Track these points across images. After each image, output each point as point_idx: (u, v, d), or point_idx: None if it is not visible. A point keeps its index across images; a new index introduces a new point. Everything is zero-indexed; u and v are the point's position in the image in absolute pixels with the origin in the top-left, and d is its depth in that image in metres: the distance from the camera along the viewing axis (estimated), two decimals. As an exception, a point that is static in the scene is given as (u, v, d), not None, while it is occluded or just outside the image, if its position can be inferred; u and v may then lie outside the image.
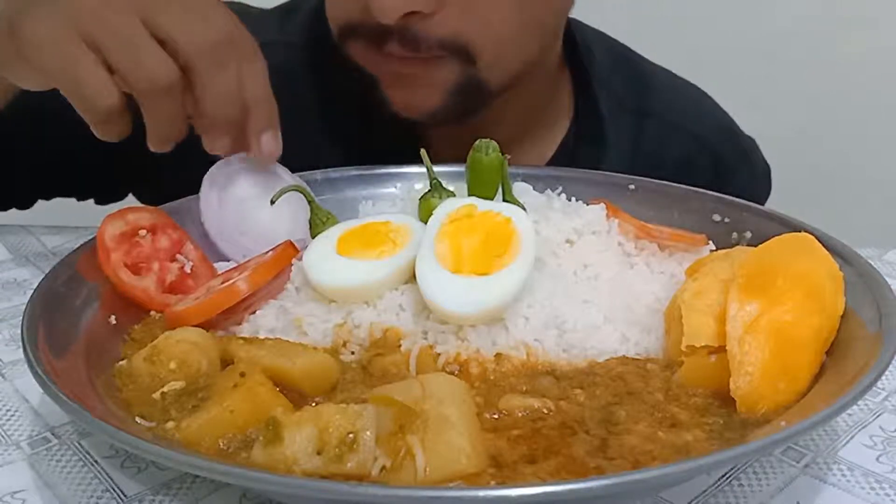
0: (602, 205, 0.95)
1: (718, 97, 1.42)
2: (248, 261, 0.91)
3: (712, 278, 0.80)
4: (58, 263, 0.86)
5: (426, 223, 0.84)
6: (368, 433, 0.63)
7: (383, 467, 0.63)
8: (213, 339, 0.79)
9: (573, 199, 0.97)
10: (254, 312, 0.85)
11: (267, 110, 0.92)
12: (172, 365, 0.75)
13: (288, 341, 0.80)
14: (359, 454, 0.63)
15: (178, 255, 0.92)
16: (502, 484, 0.63)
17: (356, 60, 1.10)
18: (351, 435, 0.63)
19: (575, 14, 1.21)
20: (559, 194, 0.99)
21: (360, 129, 1.23)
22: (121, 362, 0.78)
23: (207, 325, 0.82)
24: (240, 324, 0.85)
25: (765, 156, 1.42)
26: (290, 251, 0.88)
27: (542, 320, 0.80)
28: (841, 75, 2.33)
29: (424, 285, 0.78)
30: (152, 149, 0.89)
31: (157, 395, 0.73)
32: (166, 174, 0.98)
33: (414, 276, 0.80)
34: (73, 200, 1.34)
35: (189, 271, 0.92)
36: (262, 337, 0.82)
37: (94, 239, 0.88)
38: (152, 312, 0.87)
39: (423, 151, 0.89)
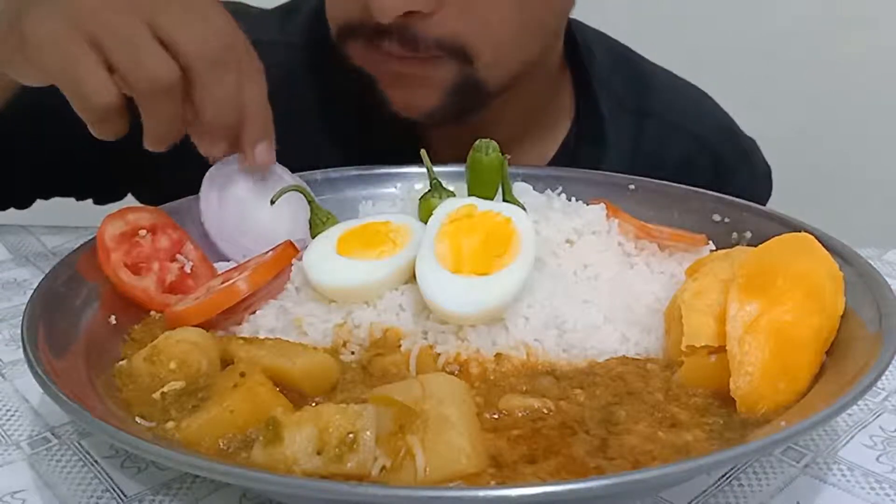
0: (602, 205, 0.95)
1: (718, 97, 1.42)
2: (248, 261, 0.91)
3: (712, 278, 0.80)
4: (58, 263, 0.86)
5: (426, 223, 0.84)
6: (368, 433, 0.63)
7: (383, 467, 0.63)
8: (213, 339, 0.79)
9: (573, 199, 0.98)
10: (254, 312, 0.85)
11: (263, 120, 0.92)
12: (172, 365, 0.75)
13: (288, 341, 0.80)
14: (359, 454, 0.63)
15: (178, 255, 0.92)
16: (502, 484, 0.63)
17: (355, 61, 1.10)
18: (351, 435, 0.63)
19: (575, 14, 1.21)
20: (559, 194, 0.99)
21: (359, 129, 1.23)
22: (121, 362, 0.78)
23: (207, 325, 0.82)
24: (240, 324, 0.85)
25: (765, 156, 1.42)
26: (290, 251, 0.88)
27: (542, 320, 0.80)
28: (841, 75, 2.33)
29: (424, 285, 0.78)
30: (148, 148, 0.89)
31: (157, 395, 0.73)
32: (165, 174, 0.98)
33: (414, 276, 0.80)
34: (72, 200, 1.34)
35: (189, 271, 0.92)
36: (262, 337, 0.82)
37: (94, 239, 0.88)
38: (152, 312, 0.87)
39: (423, 151, 0.90)
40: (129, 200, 1.35)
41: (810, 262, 0.78)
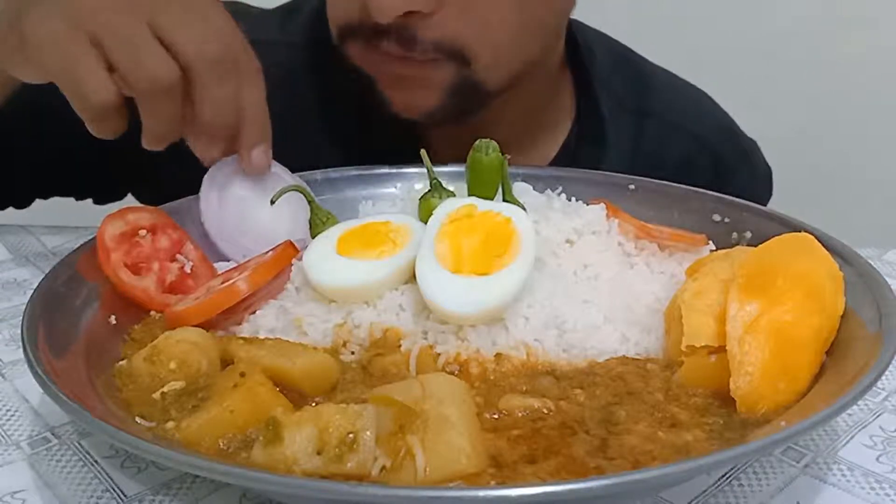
0: (602, 205, 0.95)
1: (718, 97, 1.42)
2: (248, 261, 0.91)
3: (712, 278, 0.80)
4: (58, 263, 0.86)
5: (426, 223, 0.84)
6: (368, 433, 0.63)
7: (383, 467, 0.63)
8: (213, 339, 0.79)
9: (573, 199, 0.97)
10: (254, 312, 0.85)
11: (260, 123, 0.92)
12: (172, 365, 0.75)
13: (288, 341, 0.80)
14: (359, 454, 0.63)
15: (178, 255, 0.92)
16: (502, 484, 0.63)
17: (354, 61, 1.10)
18: (351, 435, 0.63)
19: (575, 14, 1.21)
20: (559, 194, 0.99)
21: (359, 129, 1.23)
22: (121, 362, 0.78)
23: (207, 325, 0.82)
24: (240, 324, 0.85)
25: (765, 156, 1.42)
26: (290, 251, 0.88)
27: (542, 320, 0.80)
28: (841, 75, 2.33)
29: (424, 285, 0.78)
30: (146, 147, 0.89)
31: (157, 395, 0.73)
32: (165, 174, 0.98)
33: (414, 276, 0.80)
34: (72, 200, 1.34)
35: (189, 271, 0.92)
36: (262, 337, 0.82)
37: (94, 239, 0.88)
38: (152, 312, 0.87)
39: (423, 151, 0.90)
40: (129, 200, 1.35)
41: (810, 262, 0.78)
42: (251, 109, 0.90)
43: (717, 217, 0.99)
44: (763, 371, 0.70)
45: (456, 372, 0.76)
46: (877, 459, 0.76)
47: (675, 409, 0.72)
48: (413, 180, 1.06)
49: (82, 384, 0.72)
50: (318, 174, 1.06)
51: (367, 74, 1.10)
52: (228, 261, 0.96)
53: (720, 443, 0.68)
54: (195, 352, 0.76)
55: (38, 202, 1.32)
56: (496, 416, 0.71)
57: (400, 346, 0.78)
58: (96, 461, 0.74)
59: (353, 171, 1.09)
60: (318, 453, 0.62)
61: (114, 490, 0.71)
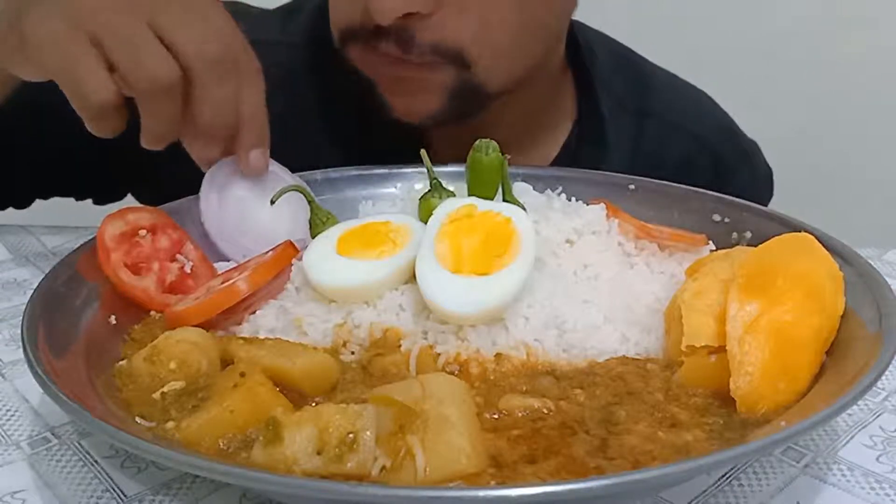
0: (602, 205, 0.95)
1: (718, 97, 1.42)
2: (248, 261, 0.91)
3: (712, 278, 0.80)
4: (58, 263, 0.86)
5: (426, 223, 0.84)
6: (368, 433, 0.63)
7: (383, 467, 0.63)
8: (213, 339, 0.79)
9: (573, 199, 0.98)
10: (254, 312, 0.85)
11: (259, 125, 0.92)
12: (172, 365, 0.75)
13: (288, 341, 0.80)
14: (359, 454, 0.63)
15: (178, 255, 0.92)
16: (502, 484, 0.63)
17: (355, 65, 1.10)
18: (351, 435, 0.63)
19: (576, 15, 1.21)
20: (559, 194, 0.99)
21: (360, 129, 1.23)
22: (121, 362, 0.78)
23: (207, 325, 0.82)
24: (240, 324, 0.85)
25: (765, 156, 1.42)
26: (290, 251, 0.88)
27: (542, 320, 0.80)
28: (841, 75, 2.33)
29: (424, 285, 0.78)
30: (145, 146, 0.89)
31: (157, 395, 0.73)
32: (165, 174, 0.98)
33: (414, 276, 0.80)
34: (72, 200, 1.34)
35: (189, 271, 0.92)
36: (262, 337, 0.82)
37: (94, 239, 0.88)
38: (152, 312, 0.87)
39: (423, 151, 0.90)
40: (129, 201, 1.35)
41: (810, 262, 0.78)
42: (250, 110, 0.90)
43: (717, 217, 0.99)
44: (763, 371, 0.70)
45: (456, 372, 0.76)
46: (877, 459, 0.76)
47: (675, 409, 0.72)
48: (413, 180, 1.06)
49: (82, 384, 0.72)
50: (318, 174, 1.06)
51: (367, 78, 1.10)
52: (228, 261, 0.96)
53: (720, 443, 0.68)
54: (195, 352, 0.76)
55: (38, 202, 1.32)
56: (496, 416, 0.71)
57: (400, 346, 0.78)
58: (96, 461, 0.74)
59: (353, 171, 1.09)
60: (318, 453, 0.62)
61: (114, 490, 0.71)
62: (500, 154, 0.88)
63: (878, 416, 0.82)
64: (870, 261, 0.83)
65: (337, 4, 1.12)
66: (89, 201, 1.36)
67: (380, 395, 0.66)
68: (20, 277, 1.07)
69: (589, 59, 1.29)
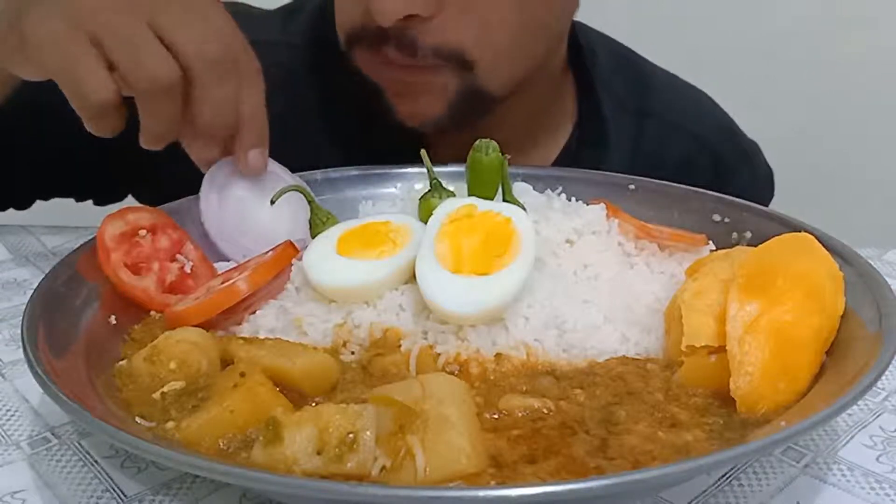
0: (602, 205, 0.95)
1: (718, 97, 1.42)
2: (248, 261, 0.91)
3: (712, 278, 0.80)
4: (58, 263, 0.86)
5: (426, 223, 0.84)
6: (368, 433, 0.63)
7: (383, 467, 0.63)
8: (213, 339, 0.79)
9: (573, 199, 0.98)
10: (254, 312, 0.85)
11: (258, 126, 0.92)
12: (172, 365, 0.75)
13: (288, 341, 0.80)
14: (359, 454, 0.63)
15: (178, 255, 0.92)
16: (502, 484, 0.63)
17: (361, 69, 1.10)
18: (351, 435, 0.63)
19: (576, 16, 1.21)
20: (559, 194, 0.99)
21: (360, 129, 1.23)
22: (121, 362, 0.78)
23: (207, 325, 0.82)
24: (240, 324, 0.85)
25: (765, 156, 1.42)
26: (290, 251, 0.88)
27: (542, 320, 0.80)
28: (841, 75, 2.33)
29: (424, 285, 0.78)
30: (144, 146, 0.89)
31: (157, 395, 0.73)
32: (165, 174, 0.98)
33: (414, 276, 0.80)
34: (72, 201, 1.34)
35: (189, 271, 0.92)
36: (262, 337, 0.82)
37: (94, 239, 0.88)
38: (152, 312, 0.87)
39: (423, 151, 0.90)
40: (130, 201, 1.35)
41: (810, 262, 0.78)
42: (250, 110, 0.90)
43: (717, 217, 0.99)
44: (763, 371, 0.70)
45: (456, 372, 0.76)
46: (877, 459, 0.76)
47: (675, 409, 0.72)
48: (413, 180, 1.06)
49: (82, 384, 0.72)
50: (318, 174, 1.07)
51: (373, 83, 1.10)
52: (228, 261, 0.96)
53: (720, 443, 0.68)
54: (195, 352, 0.76)
55: (38, 202, 1.32)
56: (496, 416, 0.71)
57: (400, 346, 0.78)
58: (96, 461, 0.74)
59: (353, 171, 1.09)
60: (318, 453, 0.62)
61: (114, 490, 0.71)
62: (500, 154, 0.88)
63: (878, 416, 0.82)
64: (870, 261, 0.83)
65: (341, 7, 1.12)
66: (89, 202, 1.36)
67: (380, 395, 0.66)
68: (20, 277, 1.07)
69: (590, 60, 1.29)
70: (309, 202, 0.92)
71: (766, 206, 1.18)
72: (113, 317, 0.84)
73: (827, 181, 2.34)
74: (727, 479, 0.73)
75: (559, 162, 1.28)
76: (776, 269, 0.76)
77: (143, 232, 0.90)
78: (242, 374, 0.70)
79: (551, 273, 0.85)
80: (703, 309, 0.76)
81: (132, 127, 0.88)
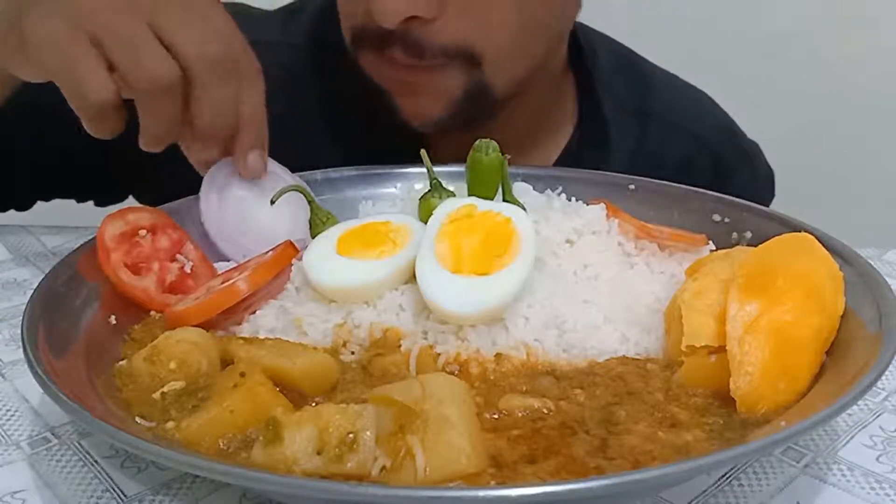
0: (602, 205, 0.95)
1: (718, 97, 1.42)
2: (248, 261, 0.91)
3: (712, 278, 0.80)
4: (58, 263, 0.86)
5: (426, 223, 0.84)
6: (368, 433, 0.63)
7: (383, 467, 0.63)
8: (213, 339, 0.79)
9: (573, 199, 0.98)
10: (254, 312, 0.85)
11: (257, 127, 0.92)
12: (172, 365, 0.75)
13: (288, 341, 0.80)
14: (359, 454, 0.63)
15: (178, 255, 0.92)
16: (502, 484, 0.63)
17: (368, 71, 1.10)
18: (351, 435, 0.63)
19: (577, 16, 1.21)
20: (559, 194, 0.99)
21: (361, 129, 1.23)
22: (121, 362, 0.78)
23: (207, 325, 0.82)
24: (240, 324, 0.85)
25: (765, 156, 1.42)
26: (290, 251, 0.88)
27: (542, 320, 0.80)
28: (841, 75, 2.33)
29: (424, 285, 0.78)
30: (144, 148, 0.89)
31: (157, 395, 0.73)
32: (165, 174, 0.98)
33: (414, 276, 0.80)
34: (72, 201, 1.34)
35: (189, 271, 0.92)
36: (262, 337, 0.82)
37: (94, 239, 0.88)
38: (152, 312, 0.87)
39: (423, 151, 0.90)
40: (130, 202, 1.35)
41: (810, 262, 0.78)
42: (249, 111, 0.90)
43: (717, 217, 0.99)
44: (763, 371, 0.70)
45: (456, 372, 0.76)
46: (877, 459, 0.76)
47: (675, 409, 0.72)
48: (413, 180, 1.06)
49: (82, 384, 0.72)
50: (318, 174, 1.07)
51: (377, 83, 1.10)
52: (228, 261, 0.96)
53: (720, 443, 0.68)
54: (195, 352, 0.76)
55: (38, 203, 1.32)
56: (496, 416, 0.71)
57: (400, 346, 0.78)
58: (96, 461, 0.74)
59: (353, 171, 1.09)
60: (318, 453, 0.62)
61: (114, 490, 0.71)
62: (500, 154, 0.88)
63: (878, 416, 0.82)
64: (870, 261, 0.83)
65: (344, 8, 1.12)
66: (90, 202, 1.36)
67: (380, 395, 0.66)
68: (20, 277, 1.07)
69: (590, 60, 1.29)
70: (309, 202, 0.92)
71: (767, 206, 1.18)
72: (113, 317, 0.84)
73: (827, 181, 2.34)
74: (727, 479, 0.73)
75: (560, 162, 1.28)
76: (776, 269, 0.76)
77: (143, 232, 0.90)
78: (242, 374, 0.70)
79: (551, 273, 0.85)
80: (703, 309, 0.76)
81: (132, 128, 0.88)
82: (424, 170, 0.90)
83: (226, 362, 0.76)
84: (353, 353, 0.80)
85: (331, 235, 0.87)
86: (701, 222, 0.98)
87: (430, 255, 0.80)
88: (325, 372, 0.75)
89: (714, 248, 0.95)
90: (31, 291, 0.81)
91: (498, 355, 0.77)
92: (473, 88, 1.08)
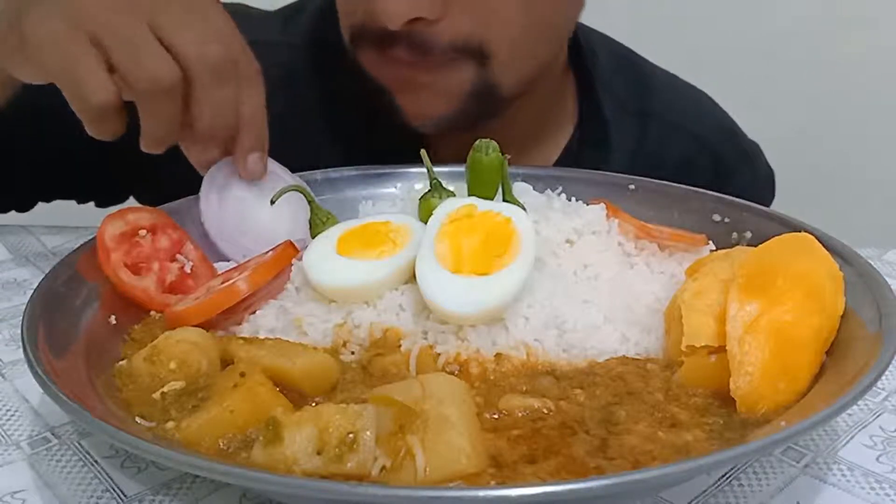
0: (602, 205, 0.95)
1: (718, 97, 1.42)
2: (248, 261, 0.91)
3: (712, 278, 0.80)
4: (58, 263, 0.86)
5: (426, 223, 0.84)
6: (368, 433, 0.63)
7: (383, 467, 0.63)
8: (213, 339, 0.79)
9: (573, 199, 0.98)
10: (254, 312, 0.85)
11: (258, 129, 0.92)
12: (172, 365, 0.75)
13: (288, 341, 0.80)
14: (359, 454, 0.63)
15: (178, 255, 0.92)
16: (502, 484, 0.63)
17: (368, 70, 1.10)
18: (351, 435, 0.63)
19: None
20: (559, 194, 0.99)
21: (361, 129, 1.23)
22: (121, 362, 0.78)
23: (207, 325, 0.82)
24: (240, 324, 0.85)
25: (765, 156, 1.42)
26: (290, 251, 0.88)
27: (542, 320, 0.80)
28: (841, 75, 2.33)
29: (424, 285, 0.78)
30: (144, 149, 0.89)
31: (157, 395, 0.73)
32: (165, 174, 0.98)
33: (414, 276, 0.80)
34: (73, 201, 1.34)
35: (189, 271, 0.92)
36: (262, 337, 0.82)
37: (94, 239, 0.88)
38: (152, 312, 0.87)
39: (423, 151, 0.90)
40: (131, 203, 1.35)
41: (810, 262, 0.78)
42: (249, 112, 0.90)
43: (717, 217, 0.99)
44: (763, 371, 0.70)
45: (456, 372, 0.76)
46: (877, 459, 0.76)
47: (675, 409, 0.72)
48: (413, 180, 1.06)
49: (82, 384, 0.72)
50: (318, 174, 1.06)
51: (378, 82, 1.10)
52: (228, 261, 0.96)
53: (720, 443, 0.68)
54: (195, 352, 0.76)
55: (38, 204, 1.32)
56: (496, 416, 0.71)
57: (400, 346, 0.78)
58: (96, 461, 0.74)
59: (353, 171, 1.09)
60: (318, 453, 0.62)
61: (114, 490, 0.71)
62: (500, 154, 0.88)
63: (878, 416, 0.82)
64: (870, 261, 0.83)
65: (343, 6, 1.12)
66: (90, 203, 1.36)
67: (380, 395, 0.66)
68: (20, 277, 1.07)
69: (590, 60, 1.29)
70: (309, 202, 0.92)
71: (768, 206, 1.18)
72: (113, 317, 0.84)
73: (827, 181, 2.34)
74: (727, 479, 0.73)
75: (560, 162, 1.28)
76: (776, 269, 0.76)
77: (143, 232, 0.90)
78: (242, 374, 0.70)
79: (551, 273, 0.85)
80: (703, 309, 0.76)
81: (132, 128, 0.88)
82: (424, 170, 0.90)
83: (226, 362, 0.76)
84: (353, 353, 0.80)
85: (331, 235, 0.87)
86: (701, 222, 0.98)
87: (430, 255, 0.80)
88: (325, 372, 0.75)
89: (714, 248, 0.95)
90: (31, 291, 0.81)
91: (498, 355, 0.77)
92: (481, 86, 1.07)
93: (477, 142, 0.88)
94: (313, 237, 0.90)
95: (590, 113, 1.29)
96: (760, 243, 0.83)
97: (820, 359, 0.74)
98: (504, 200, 0.88)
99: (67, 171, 1.25)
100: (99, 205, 1.35)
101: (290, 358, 0.75)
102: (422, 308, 0.80)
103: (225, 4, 0.91)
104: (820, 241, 0.82)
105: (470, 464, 0.63)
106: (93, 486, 0.71)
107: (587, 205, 0.96)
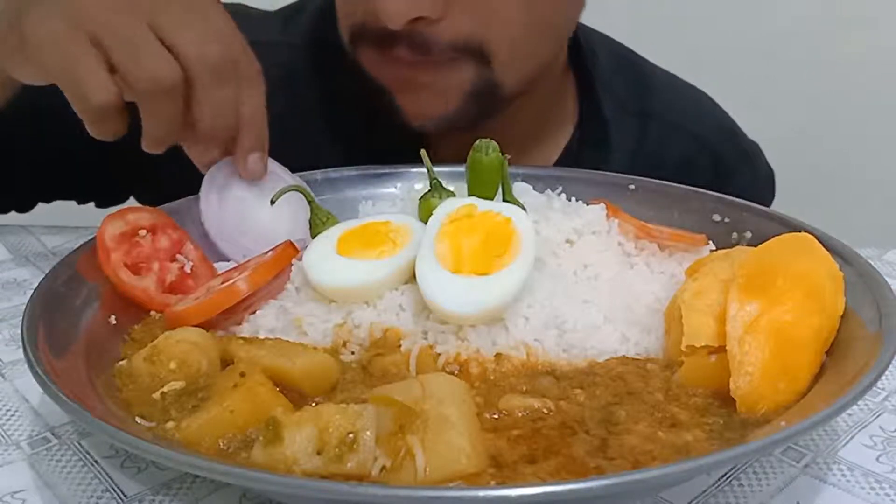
0: (602, 205, 0.95)
1: (718, 97, 1.42)
2: (248, 261, 0.91)
3: (712, 278, 0.80)
4: (58, 263, 0.86)
5: (426, 223, 0.84)
6: (368, 433, 0.63)
7: (383, 467, 0.63)
8: (213, 339, 0.79)
9: (573, 199, 0.98)
10: (254, 312, 0.85)
11: (258, 129, 0.92)
12: (172, 365, 0.75)
13: (288, 341, 0.80)
14: (359, 454, 0.63)
15: (178, 255, 0.92)
16: (502, 484, 0.63)
17: (368, 69, 1.10)
18: (351, 435, 0.63)
19: (577, 16, 1.21)
20: (559, 194, 0.99)
21: (361, 129, 1.23)
22: (121, 362, 0.78)
23: (207, 325, 0.82)
24: (240, 324, 0.85)
25: (765, 156, 1.42)
26: (290, 251, 0.88)
27: (542, 320, 0.80)
28: (841, 75, 2.33)
29: (424, 285, 0.78)
30: (146, 150, 0.89)
31: (157, 395, 0.73)
32: (165, 174, 0.98)
33: (414, 276, 0.80)
34: (73, 201, 1.34)
35: (189, 271, 0.92)
36: (262, 337, 0.82)
37: (94, 239, 0.88)
38: (152, 312, 0.87)
39: (423, 151, 0.90)
40: (131, 203, 1.35)
41: (810, 262, 0.78)
42: (249, 112, 0.90)
43: (717, 217, 0.99)
44: (763, 371, 0.70)
45: (456, 372, 0.76)
46: (877, 459, 0.76)
47: (675, 409, 0.72)
48: (413, 180, 1.06)
49: (82, 384, 0.72)
50: (318, 174, 1.07)
51: (378, 82, 1.10)
52: (228, 261, 0.96)
53: (720, 443, 0.68)
54: (195, 352, 0.76)
55: (38, 204, 1.32)
56: (496, 416, 0.71)
57: (400, 346, 0.78)
58: (96, 461, 0.74)
59: (353, 171, 1.09)
60: (318, 453, 0.62)
61: (114, 490, 0.71)
62: (500, 154, 0.88)
63: (878, 416, 0.82)
64: (870, 261, 0.84)
65: (343, 6, 1.12)
66: (91, 203, 1.36)
67: (380, 395, 0.66)
68: (20, 277, 1.07)
69: (590, 60, 1.29)
70: (309, 202, 0.92)
71: (768, 206, 1.18)
72: (113, 317, 0.84)
73: (827, 181, 2.34)
74: (727, 479, 0.73)
75: (560, 162, 1.28)
76: (776, 269, 0.76)
77: (143, 232, 0.90)
78: (242, 374, 0.70)
79: (551, 273, 0.85)
80: (703, 309, 0.76)
81: (132, 129, 0.88)
82: (424, 170, 0.90)
83: (226, 362, 0.76)
84: (353, 353, 0.80)
85: (331, 235, 0.87)
86: (701, 222, 0.98)
87: (430, 255, 0.80)
88: (325, 372, 0.75)
89: (714, 248, 0.95)
90: (31, 291, 0.81)
91: (498, 355, 0.77)
92: (481, 86, 1.07)
93: (477, 142, 0.88)
94: (313, 237, 0.90)
95: (590, 113, 1.29)
96: (760, 243, 0.83)
97: (820, 359, 0.74)
98: (504, 200, 0.88)
99: (67, 172, 1.25)
100: (99, 205, 1.36)
101: (290, 358, 0.75)
102: (422, 308, 0.80)
103: (225, 4, 0.91)
104: (820, 241, 0.82)
105: (470, 464, 0.63)
106: (93, 486, 0.71)
107: (587, 205, 0.96)
